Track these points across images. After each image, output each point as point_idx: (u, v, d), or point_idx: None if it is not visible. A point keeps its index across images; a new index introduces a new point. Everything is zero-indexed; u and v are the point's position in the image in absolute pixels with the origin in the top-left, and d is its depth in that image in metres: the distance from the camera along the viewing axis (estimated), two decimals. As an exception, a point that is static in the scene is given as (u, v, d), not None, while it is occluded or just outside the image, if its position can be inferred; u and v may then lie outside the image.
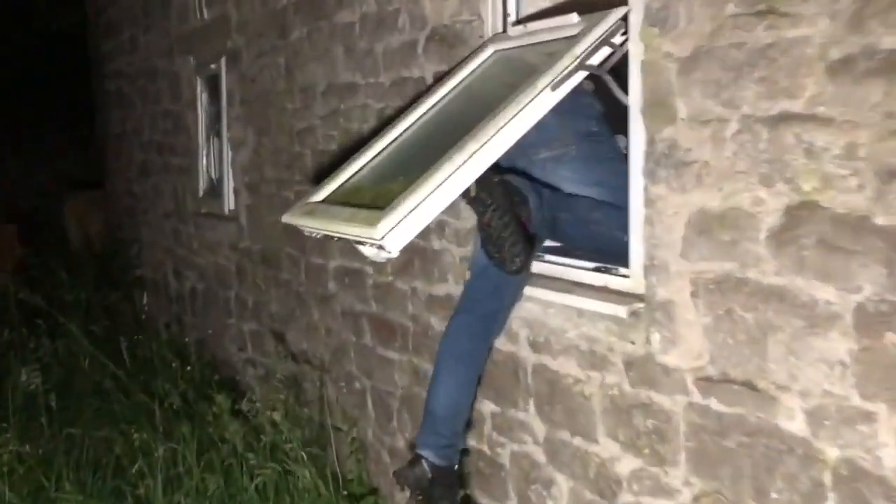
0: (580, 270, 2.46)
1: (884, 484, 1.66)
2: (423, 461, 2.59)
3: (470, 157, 1.95)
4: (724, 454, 1.99)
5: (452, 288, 3.00)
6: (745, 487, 1.95)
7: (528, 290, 2.59)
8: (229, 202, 5.09)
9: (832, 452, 1.75)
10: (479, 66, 2.54)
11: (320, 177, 3.92)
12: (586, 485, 2.45)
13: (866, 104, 1.62)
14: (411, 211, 1.87)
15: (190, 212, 5.80)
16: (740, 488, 1.96)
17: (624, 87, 2.22)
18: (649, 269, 2.16)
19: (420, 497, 2.61)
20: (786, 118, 1.78)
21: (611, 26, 2.15)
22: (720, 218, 1.95)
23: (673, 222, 2.08)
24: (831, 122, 1.69)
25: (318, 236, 2.25)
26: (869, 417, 1.67)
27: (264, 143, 4.52)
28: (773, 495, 1.87)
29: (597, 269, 2.41)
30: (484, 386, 2.88)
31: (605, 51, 2.20)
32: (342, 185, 2.34)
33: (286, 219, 2.33)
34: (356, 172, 2.37)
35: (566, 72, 2.09)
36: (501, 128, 1.98)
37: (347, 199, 2.19)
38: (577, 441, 2.48)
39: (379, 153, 2.40)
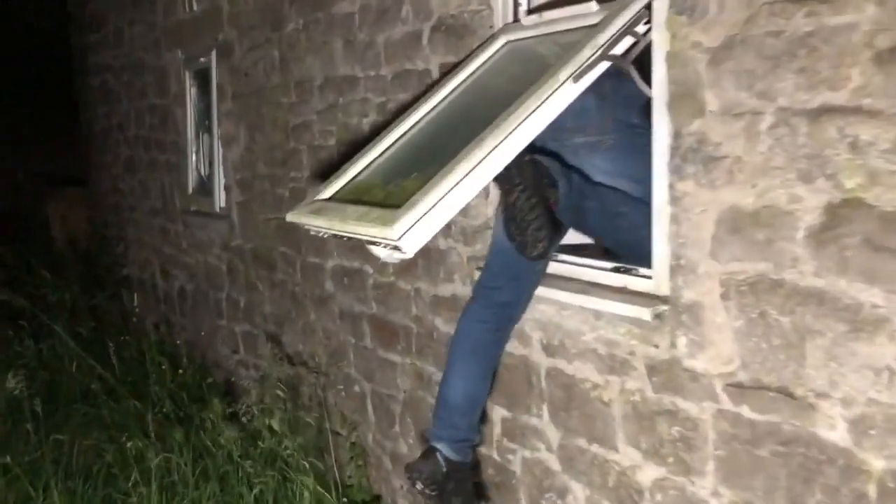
0: (597, 271, 2.35)
1: (935, 497, 1.57)
2: (438, 454, 2.46)
3: (490, 152, 1.85)
4: (757, 464, 1.90)
5: (459, 289, 2.90)
6: (779, 499, 1.86)
7: (542, 291, 2.49)
8: (220, 200, 4.95)
9: (877, 463, 1.66)
10: (491, 57, 2.44)
11: (317, 173, 3.82)
12: (605, 493, 2.35)
13: (918, 95, 1.53)
14: (429, 210, 1.76)
15: (178, 209, 5.65)
16: (774, 499, 1.87)
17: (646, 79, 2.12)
18: (675, 269, 2.06)
19: (433, 492, 2.46)
20: (827, 111, 1.68)
21: (634, 15, 2.05)
22: (753, 216, 1.85)
23: (701, 220, 1.98)
24: (879, 114, 1.60)
25: (325, 236, 2.13)
26: (919, 427, 1.58)
27: (257, 139, 4.39)
28: (812, 508, 1.78)
29: (615, 270, 2.31)
30: (494, 391, 2.77)
31: (628, 41, 2.09)
32: (349, 182, 2.23)
33: (291, 217, 2.21)
34: (364, 169, 2.25)
35: (588, 62, 1.98)
36: (522, 122, 1.88)
37: (357, 197, 2.08)
38: (595, 448, 2.38)
39: (388, 149, 2.29)
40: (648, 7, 2.07)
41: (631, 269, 2.27)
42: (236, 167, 4.68)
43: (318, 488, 3.21)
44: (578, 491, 2.45)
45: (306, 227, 2.22)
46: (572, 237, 2.52)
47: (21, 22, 10.08)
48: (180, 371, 4.39)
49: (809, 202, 1.74)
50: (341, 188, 2.21)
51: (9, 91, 10.14)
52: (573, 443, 2.46)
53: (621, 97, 2.12)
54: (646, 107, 2.08)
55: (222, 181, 4.90)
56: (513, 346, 2.65)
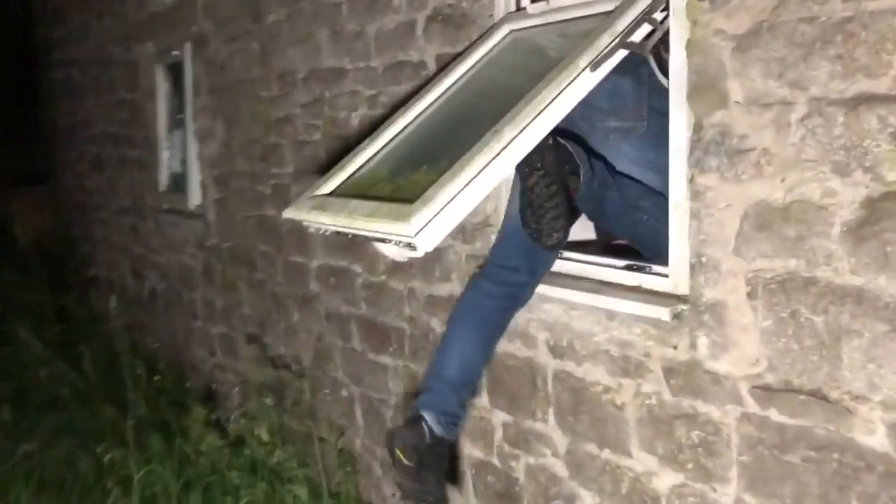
0: (609, 269, 2.26)
1: None
2: (424, 424, 2.26)
3: (508, 143, 1.74)
4: (786, 470, 1.81)
5: (456, 288, 2.78)
6: (810, 506, 1.78)
7: (548, 290, 2.39)
8: (195, 197, 4.77)
9: (921, 469, 1.58)
10: (494, 47, 2.33)
11: (301, 169, 3.68)
12: (617, 501, 2.26)
13: (969, 83, 1.45)
14: (447, 204, 1.65)
15: (149, 208, 5.46)
16: (805, 507, 1.79)
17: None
18: (696, 267, 1.97)
19: (411, 463, 2.24)
20: (866, 99, 1.60)
21: (652, 0, 1.95)
22: (783, 211, 1.77)
23: (725, 216, 1.89)
24: (924, 103, 1.52)
25: (328, 233, 2.00)
26: (968, 431, 1.51)
27: (235, 135, 4.23)
28: (847, 516, 1.70)
29: (628, 268, 2.21)
30: (494, 393, 2.67)
31: (645, 28, 2.00)
32: (351, 176, 2.10)
33: (290, 214, 2.08)
34: (366, 163, 2.13)
35: (606, 50, 1.88)
36: (541, 111, 1.77)
37: (362, 192, 1.95)
38: (606, 454, 2.28)
39: (389, 142, 2.16)
40: (666, -8, 1.98)
41: (645, 267, 2.18)
42: (213, 163, 4.52)
43: (307, 499, 3.07)
44: (588, 498, 2.36)
45: (306, 223, 2.09)
46: (572, 233, 2.42)
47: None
48: (157, 376, 4.20)
49: (845, 196, 1.66)
50: (343, 182, 2.08)
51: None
52: (582, 448, 2.36)
53: (656, 85, 2.02)
54: None
55: (197, 178, 4.72)
56: (515, 348, 2.55)
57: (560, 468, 2.45)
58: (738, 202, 1.86)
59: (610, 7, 2.07)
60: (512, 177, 2.24)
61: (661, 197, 2.06)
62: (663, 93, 1.95)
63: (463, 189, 1.67)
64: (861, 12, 1.60)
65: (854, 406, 1.68)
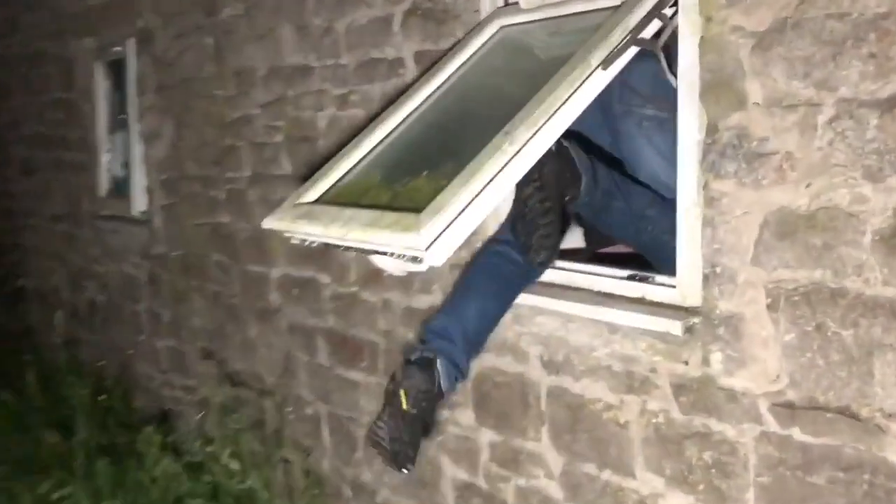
0: (609, 279, 2.14)
1: None
2: (436, 371, 2.05)
3: (522, 147, 1.60)
4: (810, 491, 1.72)
5: (438, 300, 2.63)
6: (837, 530, 1.68)
7: (541, 302, 2.26)
8: (139, 203, 4.50)
9: (962, 491, 1.50)
10: (485, 44, 2.19)
11: (261, 173, 3.47)
12: (618, 524, 2.14)
13: None
14: (461, 213, 1.50)
15: (87, 214, 5.14)
16: (831, 530, 1.69)
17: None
18: (710, 278, 1.86)
19: (413, 409, 2.03)
20: (903, 101, 1.52)
21: (662, -5, 1.84)
22: (808, 219, 1.67)
23: (742, 224, 1.79)
24: (967, 104, 1.44)
25: (314, 244, 1.83)
26: None
27: (186, 136, 3.99)
28: (881, 540, 1.61)
29: (630, 278, 2.10)
30: (481, 411, 2.53)
31: (655, 24, 1.88)
32: (337, 182, 1.93)
33: (271, 224, 1.89)
34: (352, 168, 1.96)
35: (618, 47, 1.76)
36: (556, 111, 1.64)
37: (354, 200, 1.78)
38: (607, 475, 2.16)
39: (377, 145, 2.00)
40: (676, -14, 1.87)
41: (648, 277, 2.07)
42: (160, 167, 4.26)
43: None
44: (586, 521, 2.23)
45: (288, 234, 1.90)
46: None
47: None
48: (102, 395, 3.90)
49: (877, 203, 1.57)
50: (328, 189, 1.90)
51: None
52: (580, 469, 2.23)
53: None
54: None
55: (142, 182, 4.45)
56: (505, 363, 2.41)
57: (554, 490, 2.31)
58: (757, 209, 1.76)
59: (609, 3, 1.96)
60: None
61: (669, 205, 1.95)
62: None
63: (477, 196, 1.52)
64: (898, 8, 1.51)
65: (886, 424, 1.59)
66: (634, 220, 2.04)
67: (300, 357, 3.34)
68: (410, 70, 2.64)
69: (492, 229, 2.33)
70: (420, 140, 1.94)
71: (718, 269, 1.85)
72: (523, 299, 2.30)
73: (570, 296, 2.20)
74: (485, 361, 2.47)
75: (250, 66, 3.44)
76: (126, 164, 4.63)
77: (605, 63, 1.76)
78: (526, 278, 2.21)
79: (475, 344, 2.19)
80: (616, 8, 1.86)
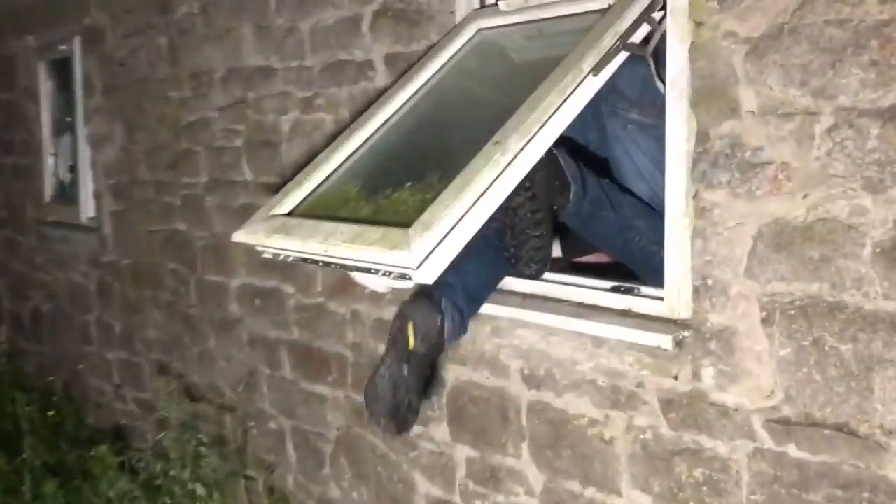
0: (593, 291, 2.07)
1: None
2: (444, 315, 1.95)
3: (516, 155, 1.51)
4: (807, 510, 1.67)
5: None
6: (835, 549, 1.64)
7: (522, 314, 2.18)
8: (88, 209, 4.30)
9: (966, 510, 1.47)
10: (463, 47, 2.10)
11: (219, 178, 3.33)
12: (603, 543, 2.08)
13: None
14: (453, 227, 1.41)
15: (31, 220, 4.91)
16: (829, 550, 1.65)
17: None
18: (701, 290, 1.80)
19: (422, 349, 1.93)
20: (905, 110, 1.48)
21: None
22: (805, 230, 1.63)
23: (735, 235, 1.74)
24: (973, 115, 1.40)
25: (289, 259, 1.72)
26: None
27: (138, 139, 3.82)
28: (881, 560, 1.58)
29: (615, 290, 2.03)
30: (457, 426, 2.44)
31: (644, 29, 1.82)
32: (311, 193, 1.81)
33: (242, 238, 1.77)
34: (327, 178, 1.85)
35: (608, 52, 1.69)
36: (549, 118, 1.56)
37: (331, 213, 1.68)
38: (591, 492, 2.09)
39: (353, 154, 1.89)
40: (665, -10, 1.81)
41: (633, 289, 2.01)
42: (109, 171, 4.07)
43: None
44: (568, 540, 2.16)
45: (260, 248, 1.79)
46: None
47: None
48: (51, 412, 3.70)
49: (877, 214, 1.53)
50: (303, 201, 1.79)
51: None
52: (562, 486, 2.16)
53: None
54: None
55: (90, 187, 4.26)
56: (483, 377, 2.33)
57: (535, 508, 2.24)
58: (751, 220, 1.71)
59: (592, 7, 1.89)
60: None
61: (657, 215, 1.89)
62: None
63: (469, 210, 1.43)
64: (900, 15, 1.47)
65: (887, 441, 1.55)
66: (623, 231, 1.98)
67: (262, 370, 3.21)
68: (381, 73, 2.54)
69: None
70: (399, 148, 1.85)
71: (710, 282, 1.79)
72: (502, 311, 2.23)
73: (552, 308, 2.13)
74: (461, 375, 2.39)
75: (208, 67, 3.29)
76: (73, 169, 4.42)
77: (596, 69, 1.69)
78: (503, 270, 2.12)
79: (474, 300, 2.08)
80: (604, 11, 1.80)
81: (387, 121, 1.94)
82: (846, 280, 1.58)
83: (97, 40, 4.02)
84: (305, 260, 1.67)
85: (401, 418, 1.95)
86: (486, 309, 2.24)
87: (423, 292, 1.95)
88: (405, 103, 1.98)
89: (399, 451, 2.65)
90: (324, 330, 2.89)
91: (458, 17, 2.28)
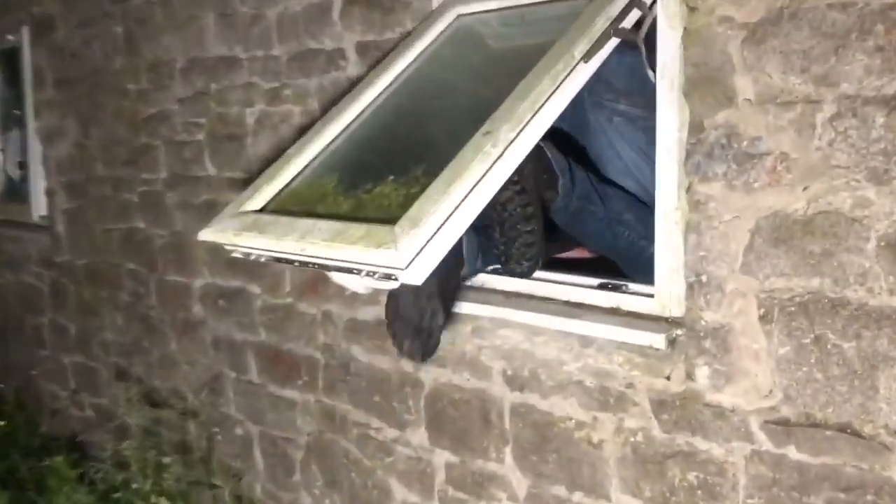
0: (579, 288, 1.99)
1: None
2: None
3: (507, 146, 1.42)
4: (807, 514, 1.61)
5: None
6: (837, 553, 1.58)
7: (504, 313, 2.10)
8: (39, 207, 4.11)
9: (975, 512, 1.42)
10: (441, 34, 2.00)
11: (180, 174, 3.18)
12: (592, 549, 2.00)
13: None
14: (442, 224, 1.31)
15: (-23, 219, 4.68)
16: (831, 554, 1.59)
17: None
18: (694, 287, 1.73)
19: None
20: (913, 98, 1.42)
21: (642, -18, 1.70)
22: (805, 224, 1.56)
23: (731, 229, 1.67)
24: (983, 102, 1.35)
25: (262, 259, 1.60)
26: None
27: (92, 134, 3.64)
28: (886, 564, 1.52)
29: (602, 287, 1.96)
30: (435, 431, 2.35)
31: (635, 14, 1.74)
32: (284, 188, 1.70)
33: (209, 236, 1.65)
34: (300, 172, 1.73)
35: (598, 38, 1.61)
36: (541, 107, 1.47)
37: (307, 209, 1.56)
38: (579, 497, 2.02)
39: (327, 147, 1.78)
40: (655, -26, 1.73)
41: (621, 286, 1.93)
42: (62, 168, 3.89)
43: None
44: (555, 547, 2.08)
45: (229, 247, 1.67)
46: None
47: None
48: (1, 421, 3.51)
49: (882, 206, 1.47)
50: (275, 197, 1.68)
51: None
52: (548, 491, 2.08)
53: None
54: None
55: (41, 184, 4.07)
56: (462, 379, 2.24)
57: (519, 514, 2.16)
58: (748, 213, 1.64)
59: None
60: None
61: (647, 209, 1.81)
62: None
63: (459, 205, 1.33)
64: (906, -2, 1.41)
65: (892, 442, 1.50)
66: (612, 225, 1.90)
67: (228, 374, 3.08)
68: (352, 63, 2.43)
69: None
70: (378, 140, 1.74)
71: (704, 278, 1.72)
72: (484, 310, 2.14)
73: (536, 306, 2.04)
74: (440, 377, 2.30)
75: (167, 57, 3.14)
76: (22, 165, 4.22)
77: (588, 55, 1.60)
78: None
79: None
80: (592, -5, 1.71)
81: (362, 112, 1.83)
82: (849, 275, 1.52)
83: (47, 30, 3.84)
84: (279, 260, 1.55)
85: (426, 338, 1.81)
86: (467, 308, 2.16)
87: None
88: (381, 93, 1.87)
89: (374, 457, 2.55)
90: (293, 332, 2.77)
91: (435, 3, 2.18)
